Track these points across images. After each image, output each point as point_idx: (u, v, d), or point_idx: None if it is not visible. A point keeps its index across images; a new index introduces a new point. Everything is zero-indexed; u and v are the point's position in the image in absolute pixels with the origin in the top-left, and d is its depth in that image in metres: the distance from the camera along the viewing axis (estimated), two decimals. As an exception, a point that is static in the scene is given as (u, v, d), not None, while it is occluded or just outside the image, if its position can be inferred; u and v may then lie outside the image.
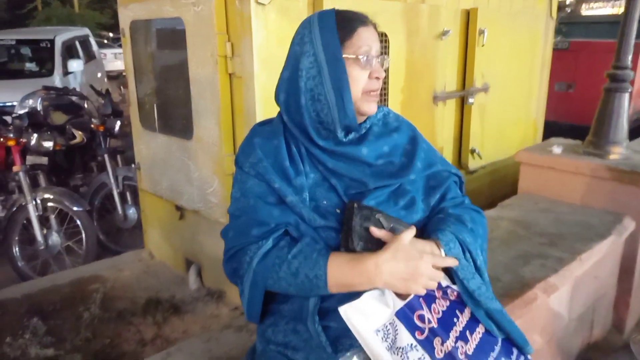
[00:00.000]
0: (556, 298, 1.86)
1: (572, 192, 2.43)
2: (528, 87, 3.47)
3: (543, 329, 1.88)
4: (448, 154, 3.03)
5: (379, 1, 2.32)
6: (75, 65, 6.53)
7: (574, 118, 5.30)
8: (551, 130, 3.86)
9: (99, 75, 7.96)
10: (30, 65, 7.08)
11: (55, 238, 3.07)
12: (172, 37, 2.35)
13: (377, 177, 1.11)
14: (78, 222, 3.07)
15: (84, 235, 3.08)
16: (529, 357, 1.09)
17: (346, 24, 1.06)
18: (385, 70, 1.12)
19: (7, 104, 5.30)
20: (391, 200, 1.12)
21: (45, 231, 3.05)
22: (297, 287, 1.03)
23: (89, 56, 7.67)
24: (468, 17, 2.84)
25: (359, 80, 1.06)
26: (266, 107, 2.00)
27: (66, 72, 6.51)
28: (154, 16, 2.40)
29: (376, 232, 1.03)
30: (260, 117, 2.01)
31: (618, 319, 2.38)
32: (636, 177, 2.18)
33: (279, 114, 1.17)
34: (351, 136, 1.11)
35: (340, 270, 1.00)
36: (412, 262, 0.98)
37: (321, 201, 1.09)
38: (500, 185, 3.40)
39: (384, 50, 2.34)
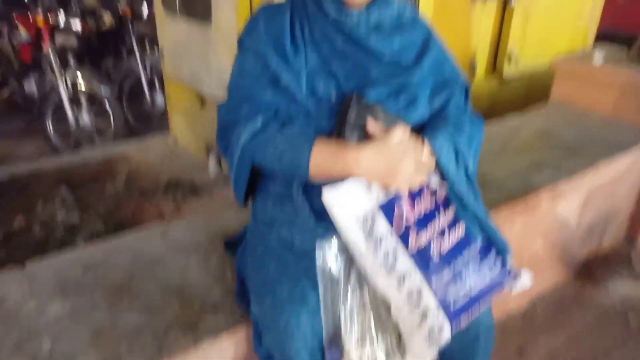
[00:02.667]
0: (564, 206, 1.83)
1: (607, 105, 2.28)
2: (582, -11, 3.15)
3: (546, 234, 1.88)
4: (482, 59, 2.87)
5: None
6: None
7: (636, 26, 4.82)
8: (607, 39, 3.53)
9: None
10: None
11: (85, 118, 3.19)
12: None
13: (382, 69, 1.08)
14: (106, 103, 3.16)
15: (111, 116, 3.18)
16: (507, 257, 1.09)
17: None
18: None
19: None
20: (392, 97, 1.08)
21: (76, 111, 3.16)
22: (281, 169, 1.04)
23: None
24: None
25: None
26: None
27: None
28: None
29: (371, 126, 1.01)
30: None
31: (632, 233, 2.35)
32: (678, 91, 2.02)
33: None
34: (356, 16, 1.05)
35: (322, 157, 1.00)
36: (392, 160, 0.97)
37: (318, 87, 1.07)
38: (538, 96, 3.22)
39: None
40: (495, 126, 2.22)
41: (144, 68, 3.46)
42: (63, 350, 1.02)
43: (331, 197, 1.01)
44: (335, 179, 1.01)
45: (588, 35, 3.42)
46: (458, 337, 1.13)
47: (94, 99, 3.23)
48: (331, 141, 1.02)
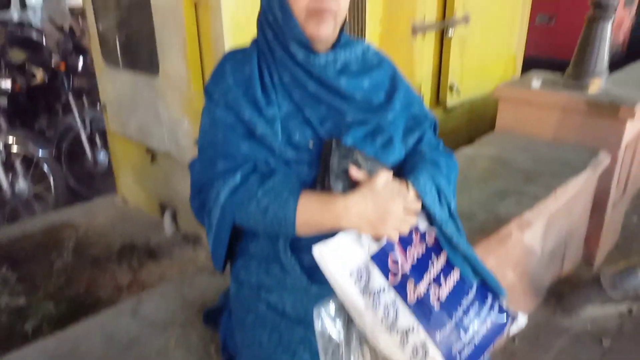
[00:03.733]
0: (530, 234, 1.88)
1: (551, 127, 2.40)
2: (510, 18, 3.35)
3: (516, 264, 1.91)
4: (426, 90, 2.96)
5: None
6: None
7: (555, 52, 5.21)
8: (530, 65, 3.78)
9: (61, 9, 7.44)
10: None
11: (22, 185, 2.95)
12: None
13: (355, 110, 1.07)
14: (44, 166, 2.95)
15: (51, 180, 2.97)
16: (502, 300, 1.09)
17: None
18: None
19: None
20: (368, 139, 1.08)
21: (11, 178, 2.93)
22: (266, 225, 0.99)
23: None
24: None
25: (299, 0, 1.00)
26: (236, 39, 1.88)
27: (24, 5, 6.10)
28: None
29: (354, 173, 0.99)
30: (229, 49, 1.89)
31: (588, 253, 2.44)
32: (614, 111, 2.15)
33: (254, 40, 1.11)
34: (323, 58, 1.05)
35: (309, 210, 0.96)
36: (381, 205, 0.95)
37: (294, 134, 1.04)
38: (479, 123, 3.35)
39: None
40: (451, 158, 2.27)
41: (83, 124, 3.28)
42: None
43: (323, 252, 0.96)
44: (323, 233, 0.97)
45: (517, 63, 3.64)
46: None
47: (30, 163, 3.01)
48: (316, 192, 0.99)
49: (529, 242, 1.92)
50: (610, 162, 2.22)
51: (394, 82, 1.14)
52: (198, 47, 2.00)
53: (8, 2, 5.99)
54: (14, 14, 5.89)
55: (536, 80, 2.46)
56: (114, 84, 2.54)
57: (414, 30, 2.61)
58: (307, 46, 1.03)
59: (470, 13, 2.89)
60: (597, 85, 2.33)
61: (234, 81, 1.04)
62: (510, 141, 2.41)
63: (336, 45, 1.09)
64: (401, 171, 1.10)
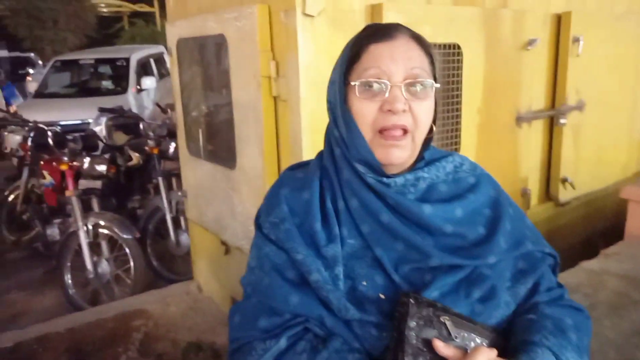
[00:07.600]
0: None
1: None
2: (632, 103, 2.93)
3: None
4: (534, 184, 2.59)
5: (450, 7, 1.97)
6: (148, 82, 6.62)
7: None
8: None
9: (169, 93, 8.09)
10: (106, 83, 7.36)
11: (104, 266, 2.97)
12: (218, 56, 2.15)
13: (444, 249, 0.80)
14: (127, 250, 2.95)
15: (132, 264, 2.95)
16: None
17: (357, 41, 0.83)
18: (434, 101, 0.83)
19: (86, 120, 5.51)
20: (461, 291, 0.80)
21: (95, 258, 2.95)
22: None
23: (164, 73, 7.76)
24: (559, 23, 2.40)
25: (365, 115, 0.80)
26: (314, 136, 1.72)
27: (139, 90, 6.67)
28: (198, 33, 2.21)
29: (442, 348, 0.71)
30: (307, 146, 1.73)
31: None
32: None
33: (319, 154, 0.92)
34: (400, 180, 0.82)
35: None
36: None
37: (360, 281, 0.80)
38: (598, 219, 2.88)
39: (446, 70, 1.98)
40: (570, 273, 1.86)
41: (170, 206, 3.30)
42: None
43: None
44: None
45: (644, 149, 3.15)
46: None
47: (115, 244, 3.04)
48: None
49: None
50: None
51: (497, 210, 0.86)
52: (276, 142, 1.88)
53: (126, 87, 6.59)
54: (130, 97, 6.44)
55: (678, 180, 2.02)
56: (195, 173, 2.51)
57: (519, 120, 2.32)
58: (377, 170, 0.81)
59: (586, 99, 2.54)
60: None
61: (289, 210, 0.84)
62: (647, 254, 1.95)
63: (417, 162, 0.85)
64: (509, 336, 0.80)
